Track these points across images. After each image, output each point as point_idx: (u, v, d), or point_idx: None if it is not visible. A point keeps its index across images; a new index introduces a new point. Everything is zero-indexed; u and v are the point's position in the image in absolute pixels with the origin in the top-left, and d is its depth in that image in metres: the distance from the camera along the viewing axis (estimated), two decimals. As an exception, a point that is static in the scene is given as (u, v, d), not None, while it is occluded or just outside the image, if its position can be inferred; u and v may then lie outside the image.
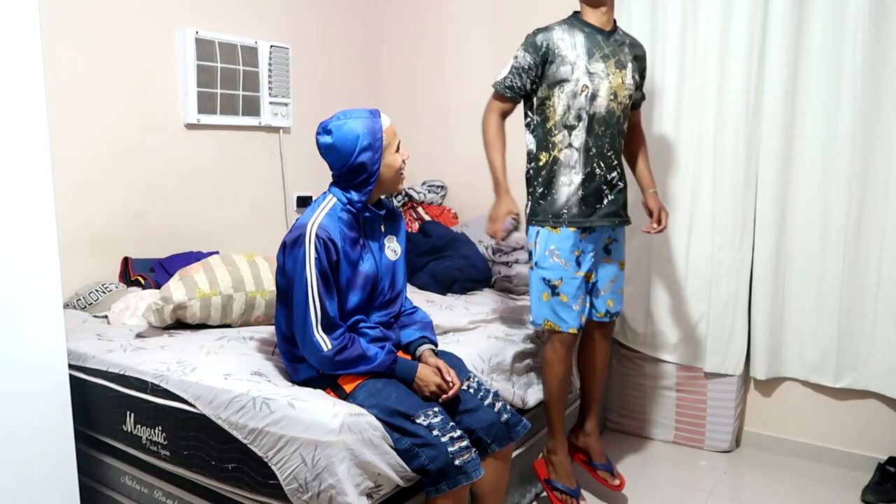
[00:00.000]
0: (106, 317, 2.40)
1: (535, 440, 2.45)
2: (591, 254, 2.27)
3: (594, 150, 2.19)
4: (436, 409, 1.75)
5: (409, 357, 1.94)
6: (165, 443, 1.82)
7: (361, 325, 1.88)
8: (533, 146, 2.28)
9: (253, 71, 3.06)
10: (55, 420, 1.70)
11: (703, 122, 2.79)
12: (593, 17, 2.21)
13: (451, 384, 1.81)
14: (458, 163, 3.65)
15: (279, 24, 3.24)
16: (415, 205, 3.54)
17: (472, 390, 1.91)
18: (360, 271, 1.86)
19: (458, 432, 1.73)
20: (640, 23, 2.90)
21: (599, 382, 2.48)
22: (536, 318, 2.28)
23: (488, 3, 3.51)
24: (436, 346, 1.98)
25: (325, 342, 1.75)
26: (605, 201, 2.25)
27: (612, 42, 2.21)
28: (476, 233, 3.28)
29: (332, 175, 1.88)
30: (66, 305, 2.50)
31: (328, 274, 1.77)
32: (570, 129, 2.17)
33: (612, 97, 2.18)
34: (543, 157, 2.24)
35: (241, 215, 3.15)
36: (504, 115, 2.28)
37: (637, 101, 2.38)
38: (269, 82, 3.14)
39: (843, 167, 2.58)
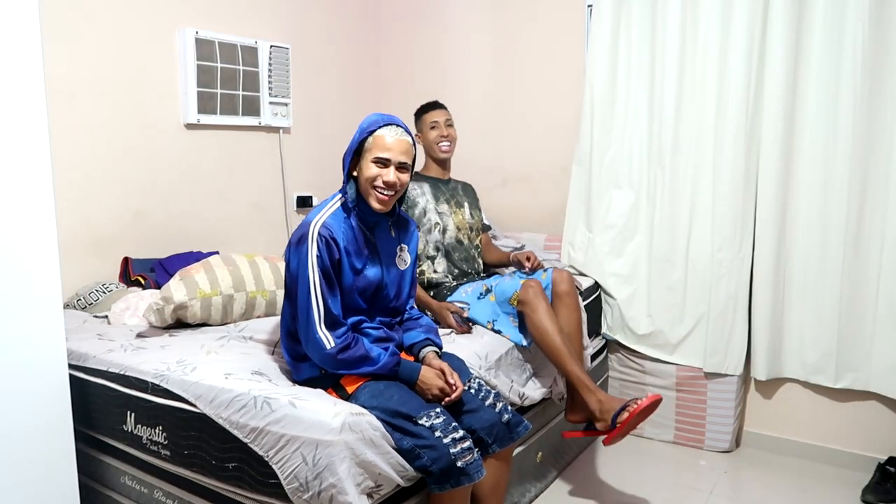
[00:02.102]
0: (106, 317, 2.40)
1: (534, 440, 2.45)
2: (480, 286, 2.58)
3: (457, 271, 2.68)
4: (438, 410, 1.75)
5: (412, 359, 1.94)
6: (166, 442, 1.82)
7: (364, 325, 1.88)
8: None
9: (253, 71, 3.06)
10: (55, 420, 1.70)
11: (703, 123, 2.80)
12: (435, 171, 2.75)
13: (454, 387, 1.81)
14: (457, 162, 3.64)
15: (279, 24, 3.24)
16: (414, 205, 3.55)
17: (473, 391, 1.91)
18: (365, 276, 1.86)
19: (461, 433, 1.73)
20: (640, 23, 2.90)
21: (575, 337, 2.49)
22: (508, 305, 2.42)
23: (488, 4, 3.51)
24: (440, 349, 1.99)
25: (327, 340, 1.75)
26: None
27: (448, 188, 2.74)
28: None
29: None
30: (67, 305, 2.50)
31: (330, 272, 1.77)
32: (432, 259, 2.63)
33: (457, 229, 2.68)
34: (424, 276, 2.64)
35: (241, 215, 3.15)
36: None
37: (484, 227, 2.90)
38: (269, 82, 3.14)
39: (843, 167, 2.58)
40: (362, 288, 1.86)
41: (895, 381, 2.58)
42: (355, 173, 1.87)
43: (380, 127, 1.83)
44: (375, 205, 1.84)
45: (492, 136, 3.56)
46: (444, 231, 2.63)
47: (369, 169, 1.82)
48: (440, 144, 2.68)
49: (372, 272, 1.87)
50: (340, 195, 1.89)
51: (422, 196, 2.64)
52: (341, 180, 1.93)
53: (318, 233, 1.77)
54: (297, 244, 1.80)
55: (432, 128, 2.68)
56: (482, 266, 2.82)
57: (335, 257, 1.78)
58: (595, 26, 3.01)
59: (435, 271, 2.62)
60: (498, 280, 2.54)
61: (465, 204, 2.77)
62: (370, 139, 1.83)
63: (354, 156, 1.87)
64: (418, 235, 2.10)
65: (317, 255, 1.75)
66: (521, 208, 3.49)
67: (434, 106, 2.73)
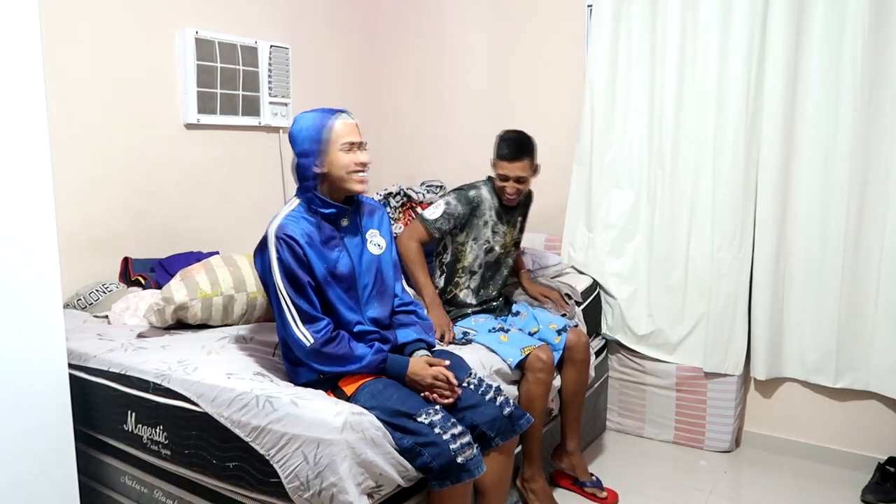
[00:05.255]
0: (106, 317, 2.40)
1: (535, 440, 2.44)
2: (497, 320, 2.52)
3: (482, 292, 2.59)
4: (437, 406, 1.76)
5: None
6: (166, 442, 1.82)
7: (358, 327, 1.88)
8: (441, 281, 2.59)
9: (253, 71, 3.06)
10: (55, 420, 1.70)
11: (703, 123, 2.80)
12: None
13: (448, 381, 1.83)
14: (456, 163, 3.65)
15: (279, 24, 3.24)
16: (413, 205, 3.54)
17: (472, 386, 1.92)
18: (338, 268, 1.87)
19: (460, 428, 1.73)
20: (640, 23, 2.91)
21: (577, 401, 2.52)
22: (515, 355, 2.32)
23: (488, 4, 3.52)
24: (432, 348, 2.00)
25: (306, 337, 1.77)
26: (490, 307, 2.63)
27: (512, 209, 2.59)
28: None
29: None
30: (67, 305, 2.50)
31: (294, 272, 1.78)
32: (472, 274, 2.56)
33: (502, 250, 2.59)
34: (450, 291, 2.58)
35: (241, 215, 3.15)
36: (422, 244, 2.49)
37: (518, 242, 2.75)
38: (269, 82, 3.14)
39: (843, 167, 2.58)
40: (338, 278, 1.87)
41: (895, 381, 2.59)
42: (317, 170, 1.86)
43: (329, 120, 1.86)
44: (359, 187, 1.88)
45: (492, 136, 3.54)
46: (489, 250, 2.55)
47: (341, 158, 1.85)
48: (506, 195, 2.48)
49: (343, 264, 1.88)
50: (296, 197, 1.91)
51: (490, 210, 2.51)
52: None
53: (276, 235, 1.80)
54: (259, 251, 1.85)
55: (501, 178, 2.47)
56: (500, 287, 2.68)
57: (300, 254, 1.80)
58: (595, 26, 3.01)
59: (468, 287, 2.55)
60: (518, 325, 2.51)
61: (518, 220, 2.65)
62: (327, 133, 1.85)
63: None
64: (388, 218, 2.10)
65: (277, 259, 1.78)
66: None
67: (512, 156, 2.43)
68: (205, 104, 2.89)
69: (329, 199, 1.88)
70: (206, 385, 1.76)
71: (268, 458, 1.62)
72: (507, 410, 1.90)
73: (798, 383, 2.83)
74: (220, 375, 1.79)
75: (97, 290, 2.52)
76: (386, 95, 3.83)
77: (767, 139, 2.69)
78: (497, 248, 2.57)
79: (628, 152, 2.99)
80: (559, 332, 2.47)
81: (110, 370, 1.95)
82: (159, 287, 2.55)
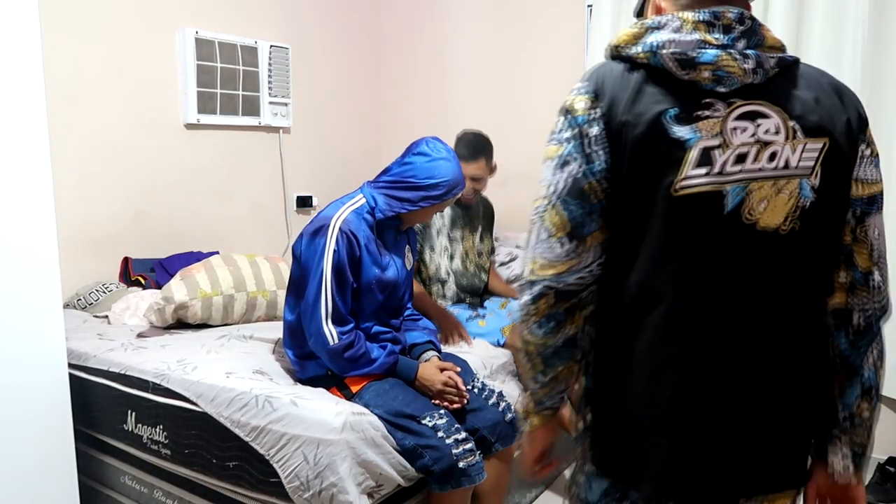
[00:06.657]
0: (106, 317, 2.40)
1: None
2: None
3: (458, 298, 2.60)
4: (442, 411, 1.76)
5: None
6: (166, 441, 1.82)
7: (374, 328, 1.89)
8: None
9: (253, 71, 3.06)
10: (55, 420, 1.70)
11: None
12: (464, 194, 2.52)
13: (457, 387, 1.82)
14: (457, 163, 3.65)
15: (279, 24, 3.24)
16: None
17: (476, 390, 1.92)
18: (387, 275, 1.87)
19: (463, 434, 1.73)
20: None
21: None
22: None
23: (488, 4, 3.52)
24: (440, 352, 2.01)
25: (332, 336, 1.75)
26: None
27: (469, 214, 2.64)
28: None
29: (386, 174, 1.89)
30: (67, 305, 2.50)
31: (345, 268, 1.77)
32: (443, 283, 2.58)
33: (465, 255, 2.62)
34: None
35: (241, 215, 3.15)
36: None
37: (491, 251, 2.80)
38: (269, 82, 3.13)
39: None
40: (383, 286, 1.87)
41: (895, 381, 2.58)
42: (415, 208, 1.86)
43: (459, 190, 1.90)
44: (404, 228, 1.97)
45: (492, 136, 3.55)
46: (451, 257, 2.58)
47: (428, 215, 1.96)
48: (463, 195, 2.43)
49: (391, 272, 1.88)
50: (361, 195, 1.88)
51: (439, 217, 2.55)
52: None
53: (339, 227, 1.77)
54: (312, 235, 1.80)
55: None
56: (483, 290, 2.72)
57: (356, 254, 1.79)
58: (595, 26, 3.01)
59: (444, 296, 2.57)
60: (493, 311, 2.56)
61: (479, 227, 2.69)
62: (451, 198, 1.89)
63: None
64: (416, 236, 2.13)
65: (334, 250, 1.76)
66: (521, 208, 3.46)
67: (470, 156, 2.46)
68: (205, 104, 2.89)
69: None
70: (205, 385, 1.76)
71: (268, 457, 1.62)
72: (508, 416, 1.90)
73: (798, 383, 2.82)
74: (218, 375, 1.79)
75: (97, 290, 2.52)
76: (385, 95, 3.83)
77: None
78: (458, 254, 2.60)
79: (628, 152, 2.99)
80: None
81: (110, 370, 1.95)
82: (159, 287, 2.55)
